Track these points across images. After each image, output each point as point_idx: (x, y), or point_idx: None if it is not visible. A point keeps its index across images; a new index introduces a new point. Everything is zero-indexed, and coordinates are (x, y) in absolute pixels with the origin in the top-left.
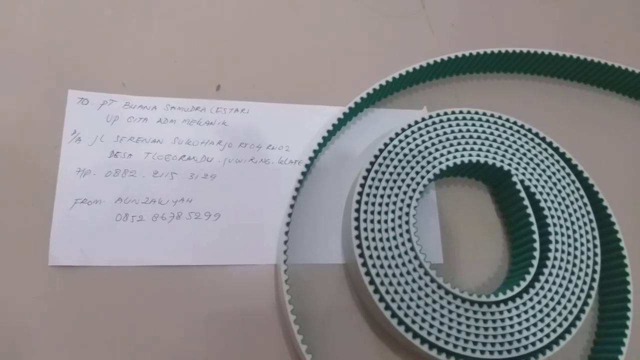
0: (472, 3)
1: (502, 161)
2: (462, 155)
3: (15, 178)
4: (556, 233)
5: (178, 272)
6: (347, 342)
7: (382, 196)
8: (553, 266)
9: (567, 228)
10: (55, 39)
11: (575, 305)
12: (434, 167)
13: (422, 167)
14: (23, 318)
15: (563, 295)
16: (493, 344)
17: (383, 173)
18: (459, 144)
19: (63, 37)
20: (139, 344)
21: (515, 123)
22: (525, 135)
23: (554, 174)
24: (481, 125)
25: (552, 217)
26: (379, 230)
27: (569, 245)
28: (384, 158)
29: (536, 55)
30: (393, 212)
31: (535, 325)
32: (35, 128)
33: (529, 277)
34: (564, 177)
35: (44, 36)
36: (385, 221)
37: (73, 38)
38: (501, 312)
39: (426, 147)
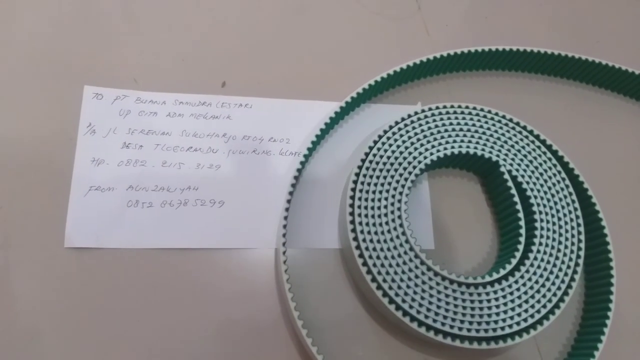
0: (465, 5)
1: (490, 152)
2: (453, 147)
3: (34, 167)
4: (542, 220)
5: (184, 254)
6: (342, 321)
7: (375, 184)
8: (538, 251)
9: (553, 215)
10: (72, 38)
11: (559, 288)
12: (425, 157)
13: (414, 158)
14: (40, 295)
15: (547, 278)
16: (479, 323)
17: (377, 163)
18: (449, 136)
19: (79, 36)
20: (146, 320)
21: (504, 117)
22: (513, 128)
23: (540, 164)
24: (471, 119)
25: (538, 205)
26: (372, 217)
27: (554, 231)
28: (378, 149)
29: (525, 53)
30: (386, 199)
31: (520, 306)
32: (53, 121)
33: (514, 261)
34: (550, 168)
35: (62, 36)
36: (379, 208)
37: (88, 38)
38: (487, 293)
39: (418, 139)
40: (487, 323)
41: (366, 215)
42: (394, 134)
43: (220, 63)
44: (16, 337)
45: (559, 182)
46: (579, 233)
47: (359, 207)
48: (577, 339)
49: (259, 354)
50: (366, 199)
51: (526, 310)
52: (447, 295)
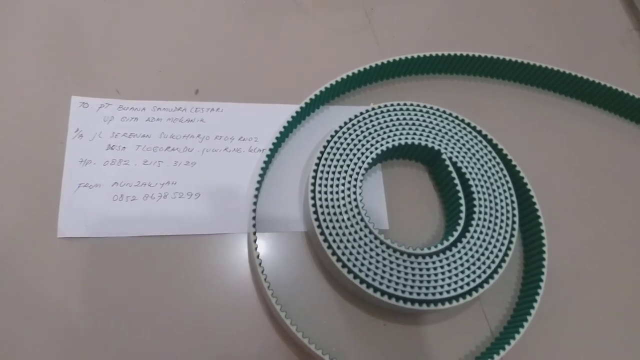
0: (410, 18)
1: (433, 143)
2: (400, 139)
3: (29, 167)
4: (479, 199)
5: (166, 241)
6: (309, 295)
7: (333, 173)
8: (477, 225)
9: (490, 194)
10: (61, 55)
11: (497, 256)
12: (376, 148)
13: (367, 149)
14: (37, 279)
15: (486, 248)
16: (427, 287)
17: (334, 154)
18: (397, 130)
19: (67, 53)
20: (132, 299)
21: (444, 112)
22: (453, 121)
23: (477, 152)
24: (416, 115)
25: (476, 186)
26: (332, 202)
27: (491, 208)
28: (335, 142)
29: (462, 57)
30: (343, 185)
31: (462, 272)
32: (45, 127)
33: (456, 234)
34: (486, 154)
35: (52, 53)
36: (337, 194)
37: (75, 54)
38: (434, 262)
39: (370, 133)
40: (435, 287)
41: (327, 200)
42: (348, 129)
43: (193, 73)
44: (16, 322)
45: (494, 166)
46: (514, 209)
47: (320, 194)
48: (518, 303)
49: (235, 326)
50: (326, 187)
51: (468, 276)
52: (398, 265)
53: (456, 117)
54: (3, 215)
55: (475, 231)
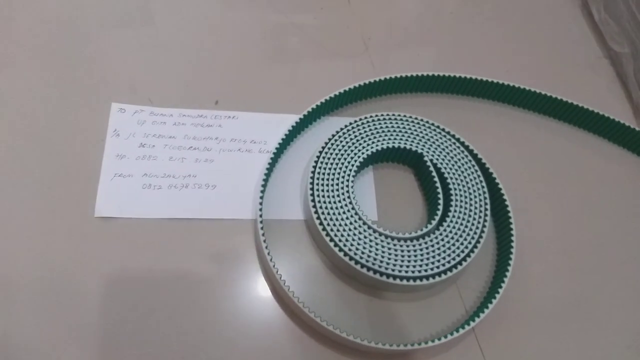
0: (401, 45)
1: (417, 147)
2: (388, 143)
3: (75, 159)
4: (455, 194)
5: (185, 223)
6: (306, 273)
7: (329, 173)
8: (453, 216)
9: (465, 190)
10: (105, 67)
11: (470, 242)
12: (367, 150)
13: (359, 150)
14: (77, 251)
15: (461, 235)
16: (414, 266)
17: (331, 154)
18: (385, 135)
19: (109, 66)
20: (153, 271)
21: (427, 122)
22: (434, 130)
23: (455, 155)
24: (402, 123)
25: (453, 183)
26: (328, 192)
27: (465, 202)
28: (332, 144)
29: (445, 77)
30: (337, 183)
31: (439, 254)
32: (88, 128)
33: (434, 222)
34: (462, 158)
35: (98, 68)
36: (332, 186)
37: (116, 67)
38: (414, 245)
39: (362, 137)
40: (415, 267)
41: (323, 192)
42: (344, 133)
43: (214, 86)
44: (56, 288)
45: (470, 167)
46: (486, 203)
47: (318, 188)
48: (490, 286)
49: (241, 293)
50: (323, 182)
51: (444, 258)
52: (383, 247)
53: (438, 126)
54: (52, 197)
55: (451, 221)
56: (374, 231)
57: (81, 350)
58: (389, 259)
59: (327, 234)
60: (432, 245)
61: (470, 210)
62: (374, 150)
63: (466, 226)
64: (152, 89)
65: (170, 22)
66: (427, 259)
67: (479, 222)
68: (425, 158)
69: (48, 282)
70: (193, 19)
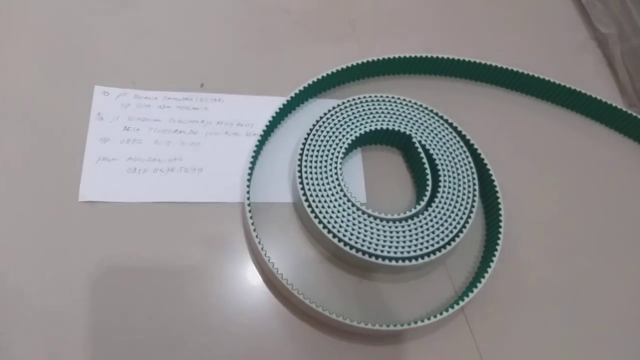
0: (388, 26)
1: (405, 128)
2: (376, 125)
3: (58, 143)
4: (444, 175)
5: (172, 206)
6: (295, 255)
7: (317, 154)
8: (442, 197)
9: (453, 171)
10: (87, 50)
11: (458, 223)
12: (355, 132)
13: (347, 132)
14: (61, 236)
15: (449, 216)
16: (403, 247)
17: (319, 137)
18: (374, 117)
19: (92, 49)
20: (139, 254)
21: (415, 103)
22: (422, 111)
23: (443, 136)
24: (390, 105)
25: (442, 164)
26: (316, 174)
27: (454, 183)
28: (320, 126)
29: (432, 59)
30: (326, 161)
31: (428, 235)
32: (73, 111)
33: (423, 203)
34: (451, 139)
35: (79, 48)
36: (320, 168)
37: (99, 50)
38: (402, 227)
39: (350, 119)
40: (409, 247)
41: (311, 174)
42: (332, 115)
43: (200, 69)
44: (41, 274)
45: (458, 148)
46: (474, 184)
47: (306, 170)
48: (479, 267)
49: (229, 275)
50: (311, 164)
51: (433, 239)
52: (372, 229)
53: (426, 108)
54: (35, 181)
55: (440, 202)
56: (363, 213)
57: (68, 336)
58: (378, 240)
59: (316, 216)
60: (421, 226)
61: (459, 191)
62: (362, 132)
63: (455, 207)
64: (136, 71)
65: (154, 3)
66: (416, 239)
67: (467, 203)
68: (414, 139)
69: (32, 267)
70: (178, 0)
